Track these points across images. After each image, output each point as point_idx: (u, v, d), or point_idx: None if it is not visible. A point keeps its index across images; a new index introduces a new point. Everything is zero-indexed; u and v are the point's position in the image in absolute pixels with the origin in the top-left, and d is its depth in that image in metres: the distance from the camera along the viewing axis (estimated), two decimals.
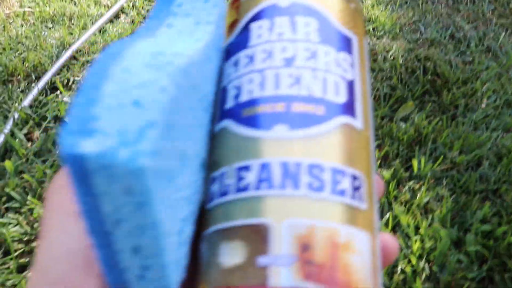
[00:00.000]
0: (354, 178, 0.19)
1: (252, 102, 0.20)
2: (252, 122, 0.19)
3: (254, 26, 0.22)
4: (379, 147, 0.92)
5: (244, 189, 0.18)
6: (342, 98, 0.20)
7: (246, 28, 0.23)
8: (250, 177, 0.18)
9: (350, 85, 0.21)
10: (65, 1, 1.36)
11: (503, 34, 1.19)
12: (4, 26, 1.25)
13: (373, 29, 1.22)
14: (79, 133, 0.14)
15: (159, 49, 0.17)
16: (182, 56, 0.17)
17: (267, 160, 0.18)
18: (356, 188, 0.19)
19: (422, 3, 1.31)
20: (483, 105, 0.99)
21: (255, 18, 0.23)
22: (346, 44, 0.22)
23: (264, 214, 0.17)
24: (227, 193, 0.18)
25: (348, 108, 0.20)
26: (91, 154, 0.13)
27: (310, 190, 0.17)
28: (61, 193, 0.18)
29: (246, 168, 0.18)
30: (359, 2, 0.25)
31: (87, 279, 0.16)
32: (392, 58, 1.11)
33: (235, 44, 0.23)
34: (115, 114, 0.14)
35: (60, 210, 0.18)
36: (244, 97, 0.20)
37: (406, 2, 1.32)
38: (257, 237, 0.17)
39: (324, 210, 0.17)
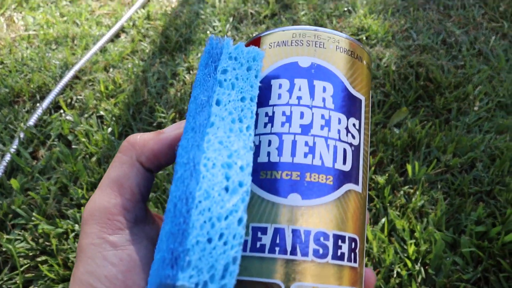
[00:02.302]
0: (352, 240, 0.23)
1: (270, 166, 0.22)
2: (269, 187, 0.22)
3: (274, 83, 0.24)
4: (373, 153, 0.93)
5: (261, 249, 0.21)
6: (348, 166, 0.23)
7: (267, 82, 0.24)
8: (266, 239, 0.21)
9: (356, 151, 0.24)
10: (68, 23, 1.41)
11: (494, 37, 1.20)
12: (10, 50, 1.29)
13: (366, 38, 1.24)
14: (174, 266, 0.18)
15: (227, 152, 0.20)
16: (241, 158, 0.20)
17: (281, 226, 0.21)
18: (352, 250, 0.22)
19: (413, 10, 1.32)
20: (476, 108, 1.00)
21: (276, 74, 0.24)
22: (356, 108, 0.24)
23: (278, 276, 0.21)
24: (245, 249, 0.21)
25: (353, 175, 0.23)
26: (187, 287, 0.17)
27: (316, 257, 0.21)
28: (99, 222, 0.23)
29: (262, 230, 0.21)
30: (370, 56, 0.28)
31: None
32: (385, 65, 1.12)
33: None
34: (205, 251, 0.18)
35: (100, 240, 0.22)
36: (262, 158, 0.23)
37: (398, 10, 1.33)
38: None
39: (326, 274, 0.21)
